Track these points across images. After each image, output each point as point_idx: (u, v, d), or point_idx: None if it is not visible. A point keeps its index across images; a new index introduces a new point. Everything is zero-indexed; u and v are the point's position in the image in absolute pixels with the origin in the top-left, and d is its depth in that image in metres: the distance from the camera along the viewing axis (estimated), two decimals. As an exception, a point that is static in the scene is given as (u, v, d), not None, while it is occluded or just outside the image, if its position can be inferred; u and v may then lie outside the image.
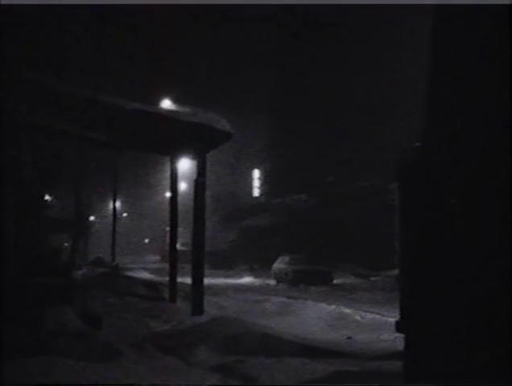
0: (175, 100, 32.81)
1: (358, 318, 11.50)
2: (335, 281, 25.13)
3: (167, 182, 16.34)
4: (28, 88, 10.32)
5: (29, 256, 10.48)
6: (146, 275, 28.44)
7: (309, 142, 40.21)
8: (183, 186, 33.87)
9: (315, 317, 11.80)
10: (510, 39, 4.08)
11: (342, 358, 7.38)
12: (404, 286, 4.82)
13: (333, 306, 12.96)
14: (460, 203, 4.27)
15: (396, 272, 21.09)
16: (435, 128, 4.56)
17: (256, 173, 51.65)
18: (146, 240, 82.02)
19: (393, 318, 7.84)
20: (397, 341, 6.37)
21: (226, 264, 35.49)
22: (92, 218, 50.42)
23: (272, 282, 26.95)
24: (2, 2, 6.87)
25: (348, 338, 9.61)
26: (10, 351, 5.97)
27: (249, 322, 9.33)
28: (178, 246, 15.59)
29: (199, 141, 12.45)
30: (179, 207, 15.01)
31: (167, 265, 16.89)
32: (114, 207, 32.52)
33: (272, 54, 45.08)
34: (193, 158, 13.93)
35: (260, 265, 34.36)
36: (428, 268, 4.42)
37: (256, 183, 51.87)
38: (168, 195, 19.42)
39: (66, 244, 18.71)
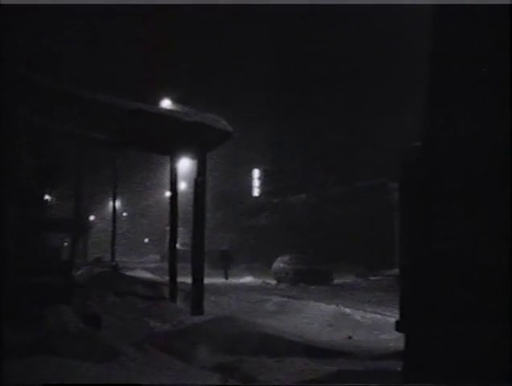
0: (175, 100, 32.82)
1: (358, 317, 11.50)
2: (335, 281, 25.13)
3: (167, 181, 16.34)
4: (28, 88, 10.32)
5: (29, 256, 10.47)
6: (145, 275, 28.42)
7: (309, 142, 40.20)
8: (183, 185, 33.87)
9: (316, 317, 11.80)
10: (510, 38, 4.08)
11: (342, 358, 7.37)
12: (404, 286, 4.82)
13: (333, 306, 12.97)
14: (461, 202, 4.27)
15: (396, 272, 21.10)
16: (435, 127, 4.56)
17: (256, 173, 51.63)
18: (146, 240, 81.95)
19: (393, 318, 7.85)
20: (397, 341, 6.37)
21: (226, 263, 35.45)
22: (92, 218, 50.38)
23: (272, 282, 26.93)
24: (2, 2, 6.87)
25: (349, 337, 9.61)
26: (10, 351, 5.97)
27: (250, 322, 9.34)
28: (178, 246, 15.59)
29: (199, 141, 12.45)
30: (179, 207, 15.01)
31: (166, 265, 16.90)
32: (114, 207, 32.54)
33: (273, 54, 45.11)
34: (193, 158, 13.94)
35: (260, 265, 34.35)
36: (428, 267, 4.42)
37: (256, 183, 51.85)
38: (168, 194, 19.42)
39: (66, 244, 18.68)
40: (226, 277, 29.29)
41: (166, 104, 31.77)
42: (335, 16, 36.32)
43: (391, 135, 30.29)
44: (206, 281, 12.82)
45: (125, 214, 73.85)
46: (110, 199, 35.82)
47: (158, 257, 55.90)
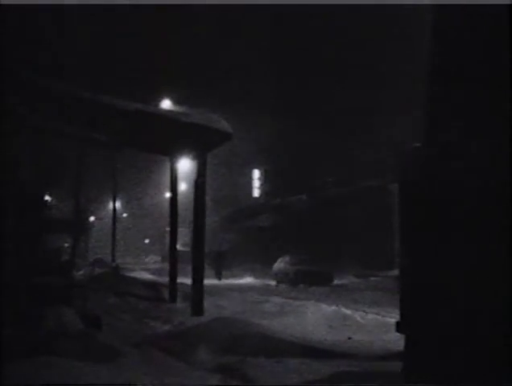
0: (175, 101, 32.87)
1: (358, 318, 11.49)
2: (335, 282, 25.14)
3: (167, 182, 16.35)
4: (28, 88, 10.32)
5: (29, 256, 10.47)
6: (146, 275, 28.45)
7: (309, 142, 40.21)
8: (183, 186, 33.87)
9: (316, 317, 11.78)
10: (510, 38, 4.08)
11: (342, 358, 7.36)
12: (404, 286, 4.82)
13: (333, 307, 12.95)
14: (460, 202, 4.27)
15: (396, 272, 21.09)
16: (435, 128, 4.56)
17: (256, 173, 51.63)
18: (147, 241, 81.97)
19: (393, 318, 7.85)
20: (397, 341, 6.37)
21: (226, 264, 35.52)
22: (92, 218, 50.39)
23: (272, 283, 26.94)
24: (2, 2, 6.87)
25: (349, 338, 9.60)
26: (10, 351, 5.97)
27: (250, 323, 9.32)
28: (178, 246, 15.60)
29: (198, 142, 12.46)
30: (180, 208, 15.02)
31: (167, 266, 16.92)
32: (114, 208, 32.55)
33: (273, 54, 45.11)
34: (193, 159, 13.94)
35: (260, 266, 34.35)
36: (428, 268, 4.42)
37: (256, 184, 51.84)
38: (168, 195, 19.43)
39: (66, 244, 18.71)
40: (219, 278, 29.41)
41: (166, 104, 31.83)
42: (335, 17, 36.33)
43: (391, 135, 30.29)
44: (206, 281, 12.82)
45: (125, 215, 73.87)
46: (110, 199, 35.81)
47: (158, 258, 55.91)
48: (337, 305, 13.24)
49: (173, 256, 14.93)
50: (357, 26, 36.16)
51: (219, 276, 30.17)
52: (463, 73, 4.37)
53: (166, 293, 14.40)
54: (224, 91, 43.79)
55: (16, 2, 8.24)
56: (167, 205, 21.07)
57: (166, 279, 15.77)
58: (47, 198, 14.99)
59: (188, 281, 12.80)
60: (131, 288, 14.82)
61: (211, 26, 45.47)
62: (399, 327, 4.77)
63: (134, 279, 18.45)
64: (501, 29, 4.12)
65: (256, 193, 51.83)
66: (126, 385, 5.57)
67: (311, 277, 24.34)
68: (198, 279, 12.26)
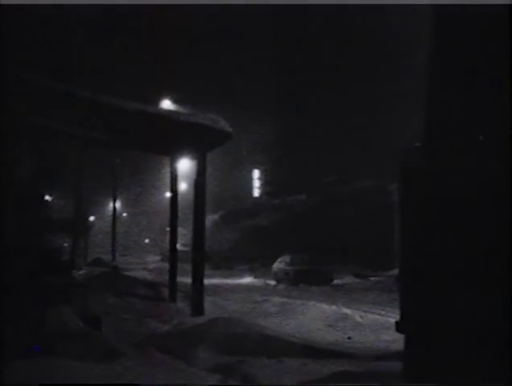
0: (175, 101, 32.85)
1: (358, 318, 11.49)
2: (335, 281, 25.11)
3: (167, 182, 16.36)
4: (28, 88, 10.32)
5: (29, 256, 10.48)
6: (146, 275, 28.42)
7: (309, 143, 40.22)
8: (183, 186, 33.84)
9: (316, 317, 11.78)
10: (510, 38, 4.08)
11: (342, 358, 7.36)
12: (404, 286, 4.82)
13: (333, 306, 12.95)
14: (460, 203, 4.27)
15: (396, 272, 21.08)
16: (435, 128, 4.56)
17: (256, 173, 51.66)
18: (147, 240, 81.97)
19: (393, 318, 7.85)
20: (397, 341, 6.37)
21: (226, 264, 35.49)
22: (92, 218, 50.36)
23: (272, 282, 26.92)
24: (2, 2, 6.87)
25: (349, 338, 9.61)
26: (10, 351, 5.97)
27: (250, 323, 9.33)
28: (178, 246, 15.60)
29: (198, 142, 12.46)
30: (180, 207, 15.02)
31: (167, 265, 16.92)
32: (114, 207, 32.54)
33: (273, 55, 45.11)
34: (193, 158, 13.95)
35: (260, 265, 34.33)
36: (428, 268, 4.42)
37: (256, 184, 51.89)
38: (168, 195, 19.43)
39: (66, 244, 18.69)
40: None
41: (166, 104, 31.81)
42: (334, 17, 36.33)
43: (391, 135, 30.30)
44: (206, 281, 12.81)
45: (125, 214, 73.86)
46: (110, 199, 35.83)
47: (158, 258, 55.87)
48: (337, 305, 13.24)
49: (173, 256, 14.93)
50: (356, 26, 36.16)
51: None
52: (463, 73, 4.37)
53: (166, 293, 14.40)
54: (224, 91, 43.79)
55: (16, 2, 8.24)
56: (167, 205, 21.06)
57: (166, 279, 15.76)
58: (47, 198, 14.99)
59: (188, 280, 12.80)
60: (131, 287, 14.81)
61: (211, 26, 45.49)
62: (399, 327, 4.78)
63: (134, 279, 18.43)
64: (501, 29, 4.12)
65: (256, 193, 51.87)
66: (126, 385, 5.58)
67: (311, 277, 24.30)
68: (198, 279, 12.26)
